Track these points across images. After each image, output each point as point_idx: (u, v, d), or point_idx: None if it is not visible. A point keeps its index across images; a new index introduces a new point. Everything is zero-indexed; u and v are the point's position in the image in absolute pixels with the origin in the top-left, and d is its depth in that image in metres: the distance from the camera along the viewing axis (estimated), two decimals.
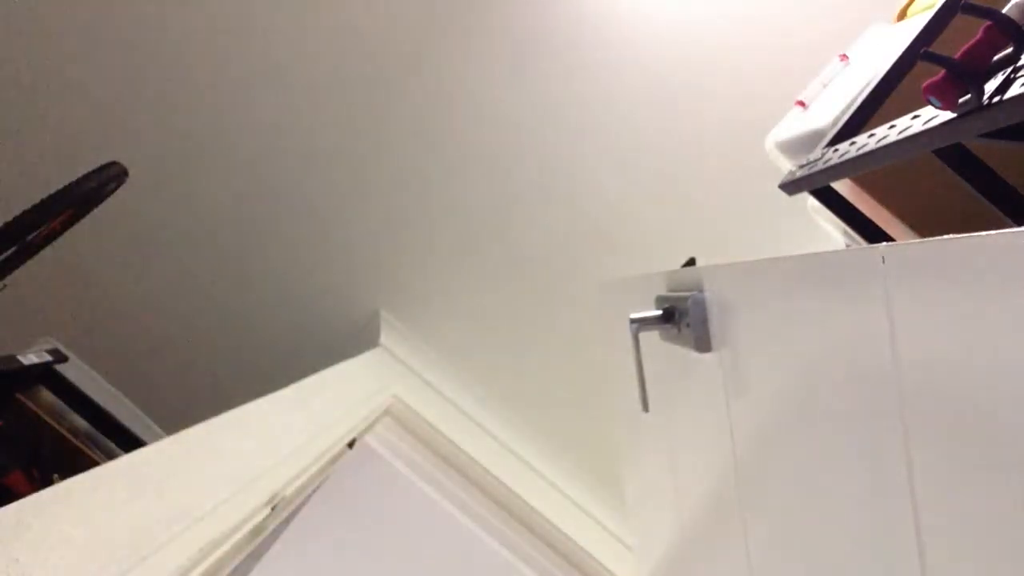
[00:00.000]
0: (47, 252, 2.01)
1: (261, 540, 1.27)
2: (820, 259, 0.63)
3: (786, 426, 0.75)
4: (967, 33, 0.85)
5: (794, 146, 1.67)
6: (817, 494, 0.70)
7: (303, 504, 1.65)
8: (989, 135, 0.85)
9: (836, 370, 0.63)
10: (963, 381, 0.46)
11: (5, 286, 1.91)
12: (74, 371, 2.27)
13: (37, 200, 1.75)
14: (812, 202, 1.53)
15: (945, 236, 0.46)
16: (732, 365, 0.87)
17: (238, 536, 1.15)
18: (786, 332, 0.72)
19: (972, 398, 0.46)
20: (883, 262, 0.52)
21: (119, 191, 2.04)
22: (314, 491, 1.71)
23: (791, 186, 1.39)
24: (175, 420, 1.67)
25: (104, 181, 1.89)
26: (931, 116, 0.92)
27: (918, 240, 0.49)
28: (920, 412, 0.52)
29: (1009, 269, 0.41)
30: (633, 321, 1.03)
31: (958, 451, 0.48)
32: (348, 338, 2.86)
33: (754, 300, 0.80)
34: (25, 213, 1.72)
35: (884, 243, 0.53)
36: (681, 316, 0.97)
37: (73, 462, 1.97)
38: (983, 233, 0.43)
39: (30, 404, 1.99)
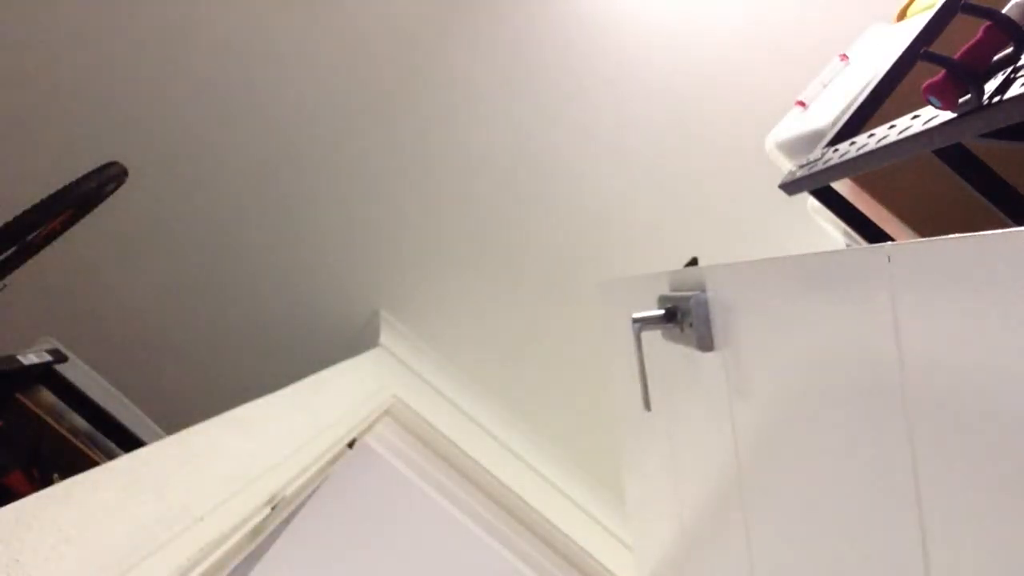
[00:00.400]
0: (47, 252, 2.01)
1: (261, 540, 1.27)
2: (824, 259, 0.63)
3: (789, 426, 0.75)
4: (967, 33, 0.85)
5: (794, 146, 1.67)
6: (820, 494, 0.70)
7: (303, 504, 1.65)
8: (989, 135, 0.85)
9: (840, 369, 0.63)
10: (968, 380, 0.46)
11: (5, 286, 1.91)
12: (74, 371, 2.27)
13: (37, 200, 1.75)
14: (812, 202, 1.53)
15: (951, 235, 0.46)
16: (735, 364, 0.87)
17: (238, 536, 1.15)
18: (789, 331, 0.72)
19: (977, 397, 0.46)
20: (889, 261, 0.52)
21: (119, 191, 2.04)
22: (314, 491, 1.71)
23: (791, 186, 1.40)
24: (175, 420, 1.67)
25: (104, 181, 1.89)
26: (931, 116, 0.92)
27: (924, 239, 0.49)
28: (925, 411, 0.52)
29: (1013, 268, 0.41)
30: (635, 320, 1.03)
31: (963, 450, 0.48)
32: (348, 338, 2.86)
33: (757, 300, 0.80)
34: (25, 213, 1.72)
35: (889, 242, 0.53)
36: (684, 316, 0.97)
37: (73, 462, 1.97)
38: (989, 232, 0.43)
39: (30, 404, 1.99)
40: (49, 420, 2.00)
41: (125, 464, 1.12)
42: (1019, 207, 1.09)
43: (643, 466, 1.58)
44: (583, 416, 2.87)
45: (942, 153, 1.07)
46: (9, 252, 1.77)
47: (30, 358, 1.98)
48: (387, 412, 2.30)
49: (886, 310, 0.53)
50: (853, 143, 1.18)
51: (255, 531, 1.21)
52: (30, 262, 1.95)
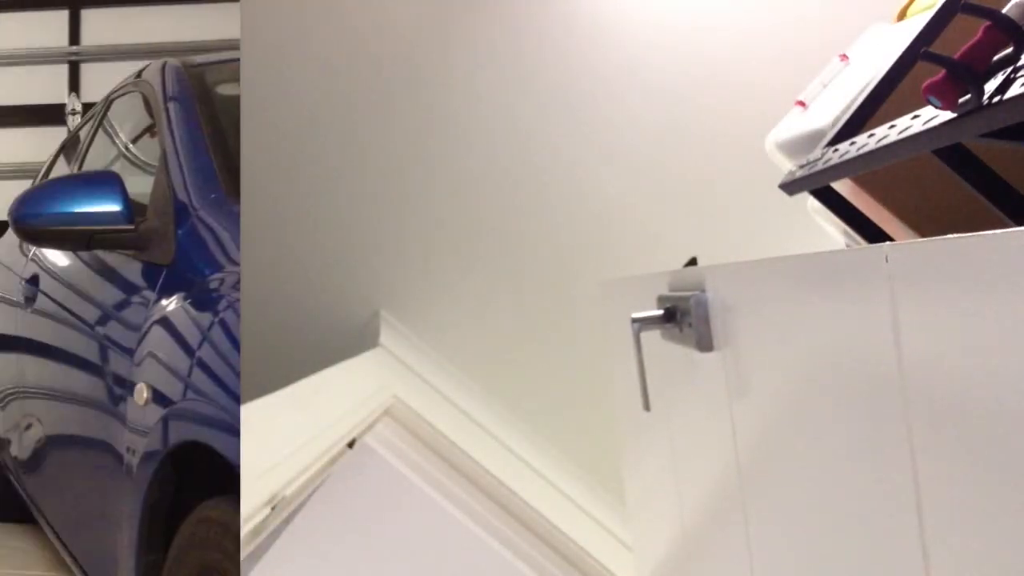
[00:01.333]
0: None
1: (261, 540, 1.26)
2: (823, 258, 0.63)
3: (789, 426, 0.76)
4: (967, 33, 0.85)
5: (794, 146, 1.66)
6: (820, 494, 0.70)
7: (303, 504, 1.65)
8: (989, 135, 0.85)
9: (839, 370, 0.63)
10: (967, 380, 0.46)
11: None
12: None
13: None
14: (812, 202, 1.53)
15: (949, 235, 0.46)
16: (734, 364, 0.87)
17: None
18: (789, 331, 0.72)
19: (977, 396, 0.46)
20: (887, 261, 0.52)
21: None
22: (314, 491, 1.71)
23: (791, 186, 1.40)
24: None
25: None
26: (931, 116, 0.92)
27: (924, 239, 0.49)
28: (924, 411, 0.52)
29: (1013, 268, 0.41)
30: (635, 321, 1.03)
31: (963, 449, 0.48)
32: (348, 338, 2.86)
33: (756, 300, 0.80)
34: None
35: (888, 242, 0.53)
36: (683, 316, 0.97)
37: None
38: (990, 232, 0.43)
39: None
40: None
41: None
42: (1019, 207, 1.09)
43: (643, 466, 1.58)
44: (583, 416, 2.87)
45: (942, 153, 1.07)
46: None
47: None
48: (387, 412, 2.30)
49: (885, 310, 0.53)
50: (853, 143, 1.18)
51: (255, 531, 1.21)
52: None
